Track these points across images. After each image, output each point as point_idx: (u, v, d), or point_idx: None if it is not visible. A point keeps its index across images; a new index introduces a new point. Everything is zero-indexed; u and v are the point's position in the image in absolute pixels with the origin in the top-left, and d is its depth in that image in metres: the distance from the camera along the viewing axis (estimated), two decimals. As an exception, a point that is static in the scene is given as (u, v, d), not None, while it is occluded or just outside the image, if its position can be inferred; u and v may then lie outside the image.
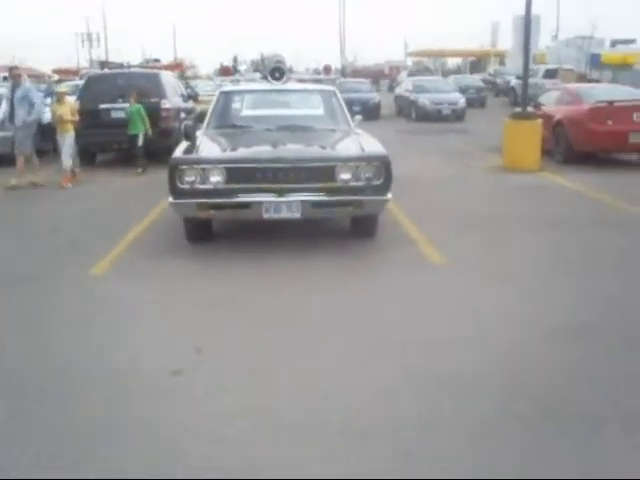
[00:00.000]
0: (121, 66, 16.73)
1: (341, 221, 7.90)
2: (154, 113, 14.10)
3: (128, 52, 68.47)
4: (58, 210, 9.80)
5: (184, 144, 7.29)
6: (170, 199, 6.76)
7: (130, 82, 14.76)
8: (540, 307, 5.48)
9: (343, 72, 50.43)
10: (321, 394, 4.01)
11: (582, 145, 13.19)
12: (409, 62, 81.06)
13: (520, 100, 31.60)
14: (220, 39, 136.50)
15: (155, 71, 15.48)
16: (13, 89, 11.92)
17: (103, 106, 14.20)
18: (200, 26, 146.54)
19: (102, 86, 14.62)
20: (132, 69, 15.69)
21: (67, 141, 11.92)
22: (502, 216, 8.78)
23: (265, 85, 8.96)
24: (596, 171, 12.40)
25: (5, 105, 12.26)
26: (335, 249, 7.17)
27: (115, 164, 14.80)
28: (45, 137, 15.53)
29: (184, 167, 6.68)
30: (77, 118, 12.15)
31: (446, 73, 55.93)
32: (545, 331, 4.94)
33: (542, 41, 45.93)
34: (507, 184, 11.52)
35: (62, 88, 13.37)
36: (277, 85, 8.76)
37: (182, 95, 16.75)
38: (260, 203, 6.64)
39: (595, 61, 43.55)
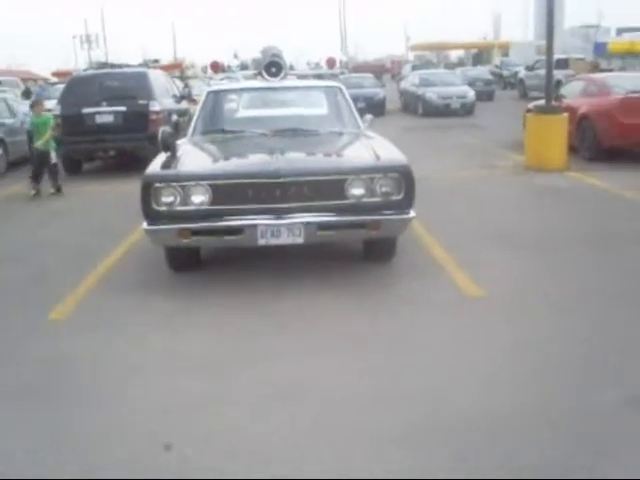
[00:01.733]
0: (120, 67, 15.67)
1: (352, 242, 6.66)
2: (142, 117, 12.94)
3: (128, 53, 67.33)
4: (26, 230, 8.60)
5: (162, 156, 6.07)
6: (144, 225, 5.54)
7: (115, 83, 13.64)
8: (615, 362, 4.25)
9: (346, 67, 49.01)
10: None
11: (612, 140, 11.95)
12: (411, 56, 79.75)
13: (527, 91, 30.58)
14: (220, 39, 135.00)
15: (142, 70, 14.24)
16: None
17: (86, 110, 13.02)
18: (200, 26, 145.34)
19: (85, 88, 13.40)
20: (117, 69, 14.47)
21: None
22: (537, 229, 7.53)
23: (260, 82, 7.72)
24: (627, 169, 11.12)
25: None
26: (346, 279, 5.94)
27: (102, 173, 13.63)
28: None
29: (160, 185, 5.45)
30: None
31: (449, 66, 54.66)
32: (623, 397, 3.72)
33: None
34: (534, 187, 10.25)
35: None
36: (274, 82, 7.52)
37: (174, 96, 15.53)
38: (254, 227, 5.40)
39: (600, 50, 42.47)
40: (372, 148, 5.99)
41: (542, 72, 29.90)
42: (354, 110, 7.41)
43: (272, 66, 7.49)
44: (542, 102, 12.77)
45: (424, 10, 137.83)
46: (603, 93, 12.65)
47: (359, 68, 57.75)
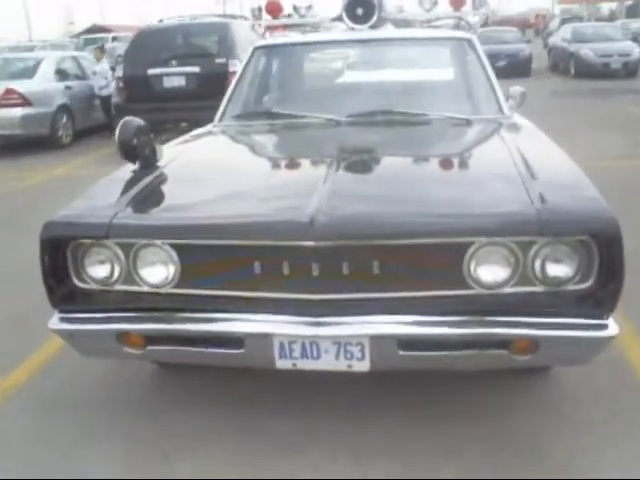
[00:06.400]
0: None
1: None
2: (219, 79, 10.25)
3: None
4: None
5: (120, 172, 3.28)
6: (52, 322, 2.76)
7: (190, 38, 11.07)
8: None
9: (484, 5, 44.49)
10: None
11: None
12: (557, 10, 73.66)
13: None
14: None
15: (224, 21, 11.50)
16: None
17: (153, 71, 10.51)
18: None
19: (154, 45, 10.88)
20: (196, 20, 11.86)
21: None
22: None
23: (338, 33, 4.74)
24: None
25: None
26: (456, 410, 2.99)
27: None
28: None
29: (81, 242, 2.66)
30: None
31: (600, 20, 49.01)
32: None
33: None
34: None
35: None
36: (359, 31, 4.53)
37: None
38: (265, 338, 2.54)
39: None
40: (527, 166, 2.89)
41: None
42: (493, 79, 4.29)
43: (357, 5, 4.49)
44: None
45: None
46: None
47: (500, 23, 53.47)
